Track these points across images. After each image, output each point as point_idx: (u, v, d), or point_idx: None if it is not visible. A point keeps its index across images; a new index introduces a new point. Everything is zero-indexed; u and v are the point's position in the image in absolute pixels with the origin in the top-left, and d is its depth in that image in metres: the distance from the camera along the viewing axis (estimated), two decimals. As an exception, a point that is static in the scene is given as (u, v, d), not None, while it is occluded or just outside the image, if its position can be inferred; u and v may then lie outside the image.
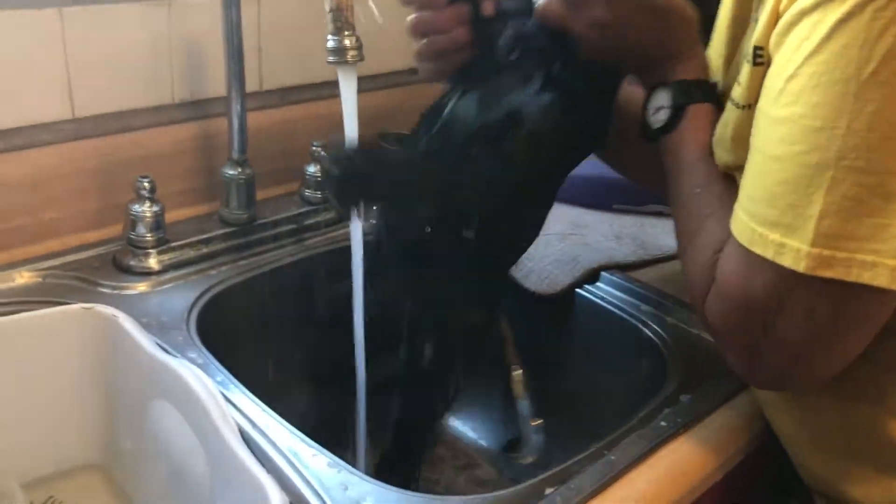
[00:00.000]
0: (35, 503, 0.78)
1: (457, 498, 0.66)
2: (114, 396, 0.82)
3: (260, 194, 1.05)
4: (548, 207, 0.77)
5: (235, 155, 0.99)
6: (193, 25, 1.01)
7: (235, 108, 0.96)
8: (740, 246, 0.60)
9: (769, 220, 0.57)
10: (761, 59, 0.61)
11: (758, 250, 0.58)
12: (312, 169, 1.08)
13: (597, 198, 1.15)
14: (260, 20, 1.06)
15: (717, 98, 0.72)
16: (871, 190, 0.53)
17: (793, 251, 0.55)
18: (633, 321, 0.94)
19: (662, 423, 0.75)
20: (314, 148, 1.07)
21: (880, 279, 0.54)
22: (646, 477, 0.69)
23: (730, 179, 0.67)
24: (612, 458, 0.70)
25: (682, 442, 0.74)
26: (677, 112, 0.71)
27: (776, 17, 0.58)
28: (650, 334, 0.91)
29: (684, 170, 0.70)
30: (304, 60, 1.13)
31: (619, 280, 1.00)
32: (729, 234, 0.62)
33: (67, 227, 0.96)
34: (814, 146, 0.54)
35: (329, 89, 1.13)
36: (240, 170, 1.00)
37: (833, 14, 0.53)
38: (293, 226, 1.05)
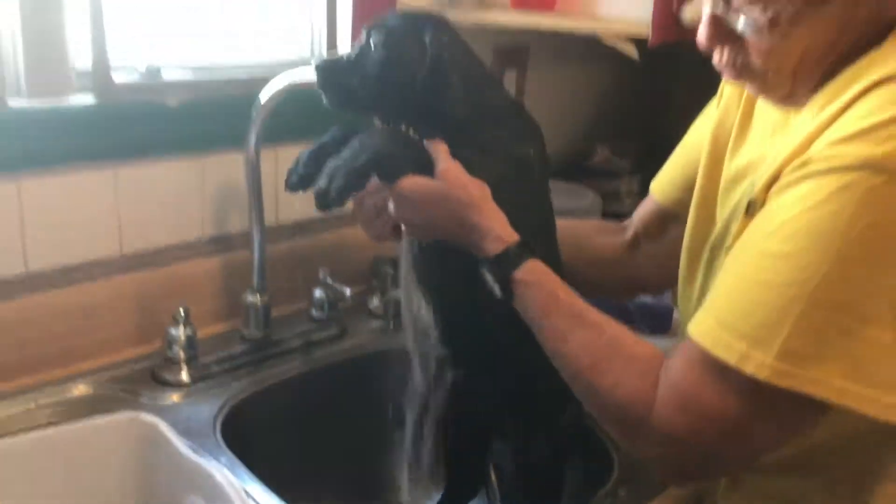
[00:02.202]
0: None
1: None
2: (152, 491, 0.99)
3: (274, 311, 1.23)
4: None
5: (255, 284, 1.18)
6: (220, 176, 1.22)
7: (256, 243, 1.16)
8: (703, 354, 0.69)
9: (739, 331, 0.67)
10: (752, 211, 0.74)
11: (721, 354, 0.67)
12: (319, 293, 1.27)
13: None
14: (277, 168, 1.25)
15: (533, 255, 0.79)
16: (833, 326, 0.65)
17: (756, 361, 0.66)
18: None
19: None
20: (321, 275, 1.26)
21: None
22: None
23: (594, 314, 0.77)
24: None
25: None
26: (505, 285, 0.78)
27: (775, 178, 0.71)
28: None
29: (560, 321, 0.77)
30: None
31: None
32: (670, 352, 0.73)
33: (114, 346, 1.15)
34: (794, 281, 0.65)
35: (336, 223, 1.34)
36: (258, 296, 1.19)
37: (834, 183, 0.65)
38: (302, 341, 1.24)
